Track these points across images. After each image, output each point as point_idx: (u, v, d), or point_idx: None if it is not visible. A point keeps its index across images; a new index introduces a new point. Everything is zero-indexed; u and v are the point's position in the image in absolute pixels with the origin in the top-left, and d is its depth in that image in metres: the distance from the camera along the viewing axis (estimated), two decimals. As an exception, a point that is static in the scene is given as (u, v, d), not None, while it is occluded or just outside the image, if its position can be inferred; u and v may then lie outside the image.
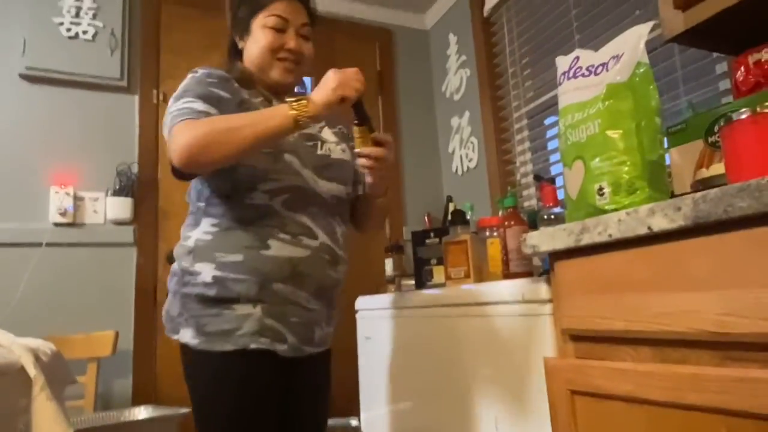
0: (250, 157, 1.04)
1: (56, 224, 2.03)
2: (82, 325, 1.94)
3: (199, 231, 1.11)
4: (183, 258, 1.10)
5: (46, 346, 0.98)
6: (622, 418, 0.80)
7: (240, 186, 1.08)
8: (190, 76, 1.11)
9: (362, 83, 1.02)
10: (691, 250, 0.72)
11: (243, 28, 1.19)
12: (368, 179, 1.18)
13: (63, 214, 2.02)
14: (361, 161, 1.10)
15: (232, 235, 1.07)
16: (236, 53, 1.22)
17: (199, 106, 1.02)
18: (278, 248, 1.07)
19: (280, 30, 1.15)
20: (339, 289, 1.19)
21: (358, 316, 1.94)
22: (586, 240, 0.86)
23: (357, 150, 1.10)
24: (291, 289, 1.08)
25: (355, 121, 1.07)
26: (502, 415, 1.17)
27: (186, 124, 0.97)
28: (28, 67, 2.07)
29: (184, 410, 1.63)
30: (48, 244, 2.00)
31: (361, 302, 1.93)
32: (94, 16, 2.18)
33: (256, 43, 1.15)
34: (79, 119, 2.13)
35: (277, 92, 1.20)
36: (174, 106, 1.03)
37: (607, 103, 0.87)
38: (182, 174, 1.04)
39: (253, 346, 1.04)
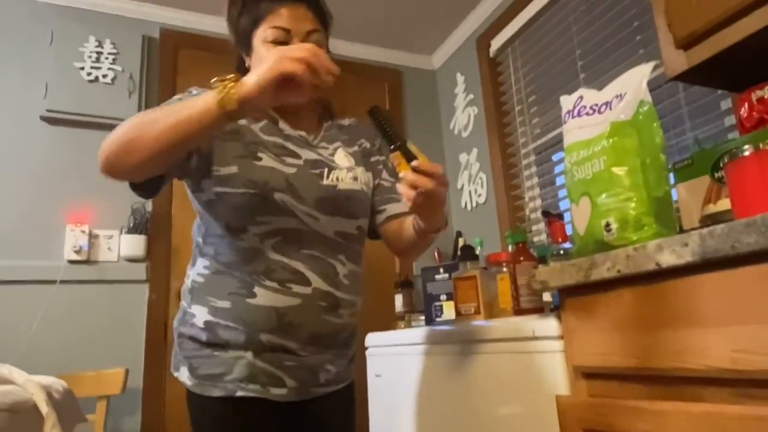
0: (173, 159, 0.90)
1: (71, 261, 2.06)
2: (93, 362, 1.95)
3: (194, 271, 1.09)
4: (184, 297, 1.09)
5: (58, 384, 0.98)
6: (637, 459, 0.78)
7: (231, 226, 1.03)
8: (177, 96, 1.05)
9: (314, 55, 0.82)
10: (700, 286, 0.72)
11: (245, 44, 1.08)
12: (413, 213, 0.99)
13: (78, 251, 2.05)
14: (403, 192, 0.90)
15: (222, 279, 1.03)
16: (244, 71, 1.05)
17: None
18: (264, 297, 1.00)
19: (282, 43, 1.01)
20: (346, 332, 1.11)
21: (367, 353, 1.92)
22: (595, 276, 0.86)
23: (400, 176, 0.91)
24: (280, 340, 1.02)
25: (390, 147, 0.91)
26: (516, 455, 1.15)
27: (111, 135, 0.90)
28: (49, 110, 2.15)
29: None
30: (62, 282, 2.02)
31: (371, 339, 1.92)
32: (114, 61, 2.26)
33: (260, 62, 1.01)
34: (95, 159, 2.19)
35: (293, 112, 1.11)
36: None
37: (611, 140, 0.89)
38: (134, 186, 0.97)
39: (240, 393, 1.00)
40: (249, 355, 1.01)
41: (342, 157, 1.14)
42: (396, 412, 1.69)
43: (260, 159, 1.04)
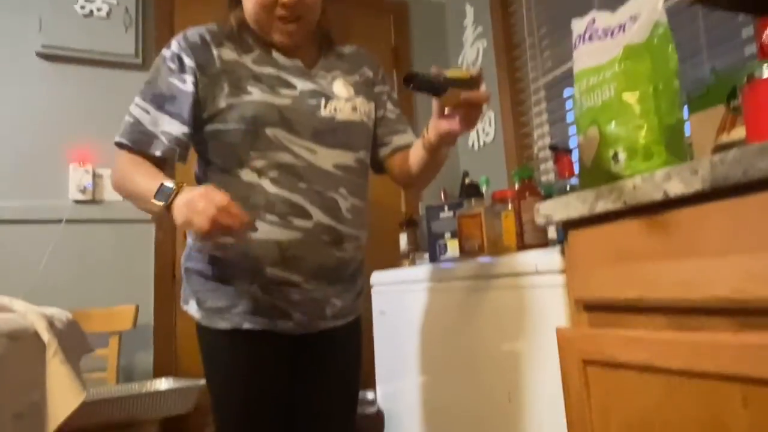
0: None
1: (76, 201, 2.06)
2: (103, 299, 1.98)
3: None
4: (189, 233, 1.09)
5: (61, 314, 1.00)
6: (635, 388, 0.79)
7: (227, 162, 1.03)
8: (162, 52, 1.04)
9: (220, 215, 0.82)
10: (708, 215, 0.70)
11: None
12: (457, 128, 0.93)
13: (82, 191, 2.05)
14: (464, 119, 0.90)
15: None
16: (237, 1, 1.07)
17: (144, 118, 1.01)
18: (266, 231, 0.99)
19: None
20: (351, 267, 1.11)
21: (373, 291, 1.95)
22: (601, 208, 0.84)
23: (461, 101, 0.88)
24: (284, 273, 1.02)
25: (434, 96, 0.89)
26: (515, 387, 1.17)
27: (117, 158, 1.02)
28: (44, 45, 2.09)
29: (203, 382, 1.66)
30: (68, 221, 2.03)
31: (376, 277, 1.93)
32: (108, -7, 2.18)
33: None
34: (96, 97, 2.15)
35: (285, 49, 1.08)
36: (134, 101, 1.03)
37: (623, 65, 0.84)
38: None
39: (246, 326, 1.02)
40: (254, 288, 1.02)
41: (341, 87, 1.10)
42: (400, 348, 1.72)
43: (250, 93, 1.01)
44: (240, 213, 0.84)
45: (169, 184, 0.89)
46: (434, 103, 0.93)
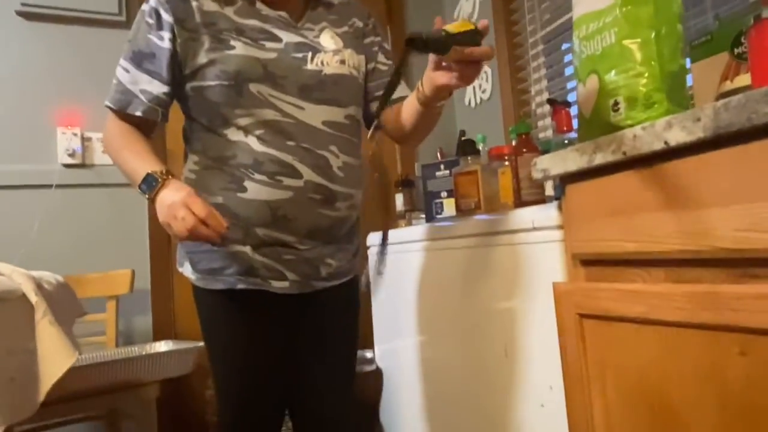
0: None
1: (65, 165, 2.03)
2: (98, 265, 1.98)
3: (186, 168, 1.08)
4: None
5: (50, 277, 0.99)
6: (632, 341, 0.78)
7: (212, 120, 1.00)
8: (142, 7, 1.01)
9: (194, 233, 0.86)
10: (709, 164, 0.68)
11: None
12: (454, 82, 0.88)
13: (71, 155, 2.02)
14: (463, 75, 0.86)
15: (212, 174, 1.01)
16: None
17: (125, 77, 1.00)
18: (254, 191, 0.97)
19: None
20: (345, 226, 1.10)
21: (369, 252, 1.94)
22: (599, 160, 0.81)
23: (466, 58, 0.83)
24: (276, 233, 1.00)
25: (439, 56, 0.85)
26: (512, 342, 1.17)
27: (107, 123, 1.03)
28: (23, 3, 2.01)
29: (202, 344, 1.67)
30: (58, 186, 2.00)
31: (372, 238, 1.92)
32: (88, -52, 2.09)
33: None
34: (80, 57, 2.09)
35: (269, 0, 1.04)
36: (118, 65, 1.02)
37: (624, 9, 0.80)
38: None
39: (240, 286, 1.01)
40: (247, 249, 1.01)
41: (328, 39, 1.06)
42: (398, 307, 1.72)
43: (233, 47, 0.97)
44: (218, 224, 0.86)
45: (155, 174, 0.91)
46: (431, 54, 0.88)
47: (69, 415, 1.85)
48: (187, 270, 1.07)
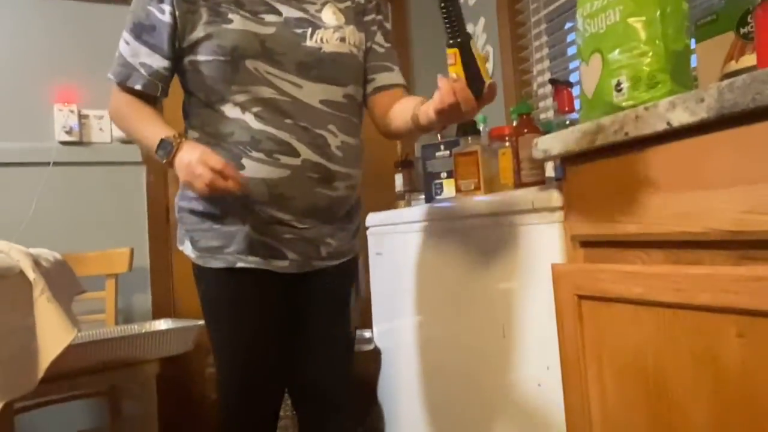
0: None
1: (62, 143, 2.01)
2: (96, 243, 1.97)
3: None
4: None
5: (48, 254, 0.98)
6: (629, 322, 0.78)
7: (209, 96, 0.99)
8: None
9: (213, 187, 0.88)
10: (712, 145, 0.67)
11: None
12: (429, 117, 0.88)
13: (69, 132, 2.00)
14: (441, 93, 0.81)
15: (214, 148, 0.99)
16: None
17: (125, 49, 1.00)
18: (253, 169, 0.97)
19: None
20: (345, 206, 1.09)
21: (368, 232, 1.94)
22: (601, 141, 0.81)
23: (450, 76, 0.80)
24: (274, 212, 1.00)
25: (450, 41, 0.78)
26: (510, 323, 1.17)
27: (112, 95, 1.04)
28: (19, -21, 1.98)
29: (201, 322, 1.68)
30: (56, 163, 1.99)
31: (371, 219, 1.92)
32: None
33: None
34: (78, 33, 2.06)
35: None
36: (121, 37, 1.01)
37: (630, -14, 0.79)
38: None
39: (240, 265, 1.01)
40: (246, 227, 1.00)
41: (330, 15, 1.04)
42: (397, 288, 1.73)
43: (230, 21, 0.95)
44: (234, 175, 0.89)
45: (169, 139, 0.93)
46: (440, 81, 0.81)
47: (70, 392, 1.87)
48: (187, 248, 1.07)
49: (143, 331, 1.63)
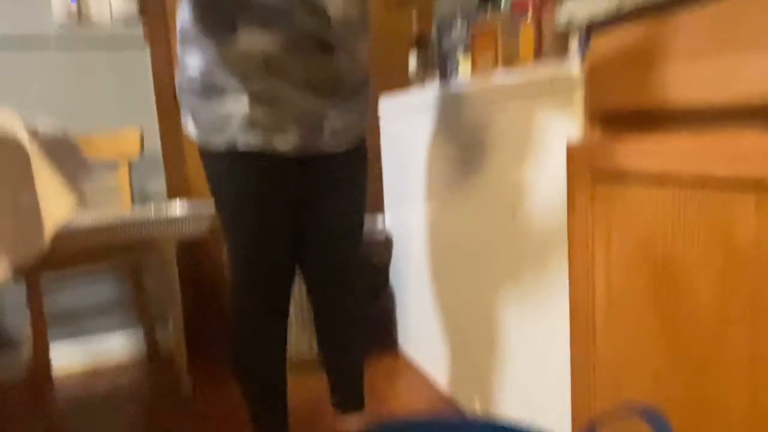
0: None
1: (61, 24, 1.91)
2: (105, 126, 1.95)
3: (180, 20, 1.02)
4: (178, 49, 1.04)
5: (47, 126, 0.96)
6: (642, 202, 0.76)
7: None
8: None
9: None
10: (745, 5, 0.60)
11: None
12: None
13: (66, 12, 1.90)
14: None
15: (206, 19, 0.96)
16: None
17: None
18: (247, 37, 0.93)
19: None
20: (348, 79, 1.04)
21: (381, 114, 1.88)
22: (630, 3, 0.73)
23: None
24: (273, 82, 0.97)
25: None
26: (520, 204, 1.16)
27: None
28: None
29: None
30: (57, 47, 1.91)
31: (383, 101, 1.85)
32: None
33: None
34: None
35: None
36: None
37: None
38: None
39: (242, 142, 0.99)
40: (245, 100, 0.98)
41: None
42: (408, 171, 1.71)
43: None
44: None
45: None
46: None
47: (93, 272, 1.97)
48: (190, 128, 1.05)
49: (160, 214, 1.65)
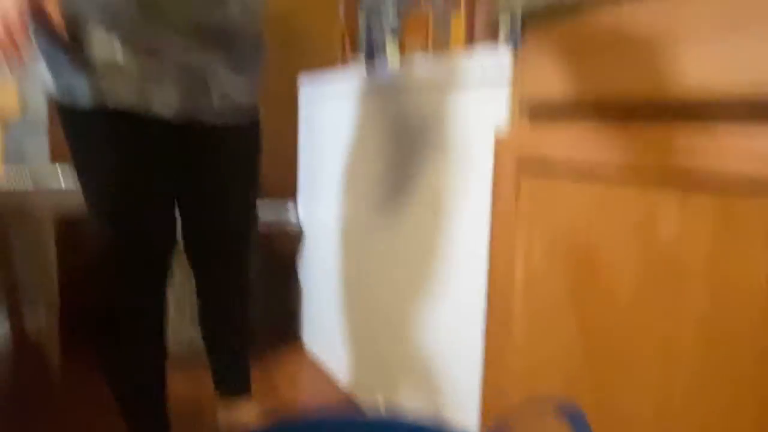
0: None
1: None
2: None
3: None
4: None
5: None
6: (567, 198, 0.72)
7: None
8: None
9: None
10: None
11: None
12: None
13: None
14: None
15: None
16: None
17: None
18: None
19: None
20: (239, 34, 0.93)
21: (299, 93, 1.77)
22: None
23: None
24: (149, 25, 0.84)
25: None
26: (441, 198, 1.10)
27: None
28: None
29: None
30: None
31: (304, 79, 1.74)
32: None
33: None
34: None
35: None
36: None
37: None
38: None
39: (113, 101, 0.85)
40: (116, 47, 0.83)
41: None
42: (326, 156, 1.61)
43: None
44: (20, 39, 0.70)
45: None
46: None
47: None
48: (50, 86, 0.88)
49: (36, 183, 1.43)
